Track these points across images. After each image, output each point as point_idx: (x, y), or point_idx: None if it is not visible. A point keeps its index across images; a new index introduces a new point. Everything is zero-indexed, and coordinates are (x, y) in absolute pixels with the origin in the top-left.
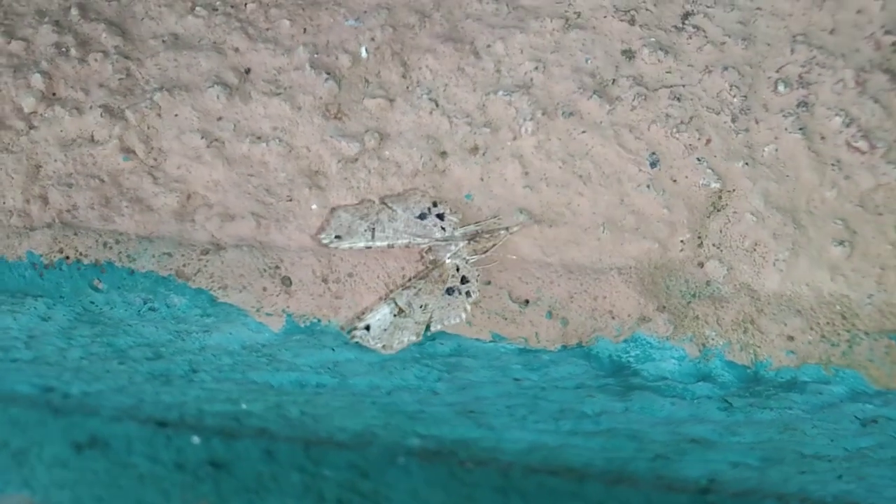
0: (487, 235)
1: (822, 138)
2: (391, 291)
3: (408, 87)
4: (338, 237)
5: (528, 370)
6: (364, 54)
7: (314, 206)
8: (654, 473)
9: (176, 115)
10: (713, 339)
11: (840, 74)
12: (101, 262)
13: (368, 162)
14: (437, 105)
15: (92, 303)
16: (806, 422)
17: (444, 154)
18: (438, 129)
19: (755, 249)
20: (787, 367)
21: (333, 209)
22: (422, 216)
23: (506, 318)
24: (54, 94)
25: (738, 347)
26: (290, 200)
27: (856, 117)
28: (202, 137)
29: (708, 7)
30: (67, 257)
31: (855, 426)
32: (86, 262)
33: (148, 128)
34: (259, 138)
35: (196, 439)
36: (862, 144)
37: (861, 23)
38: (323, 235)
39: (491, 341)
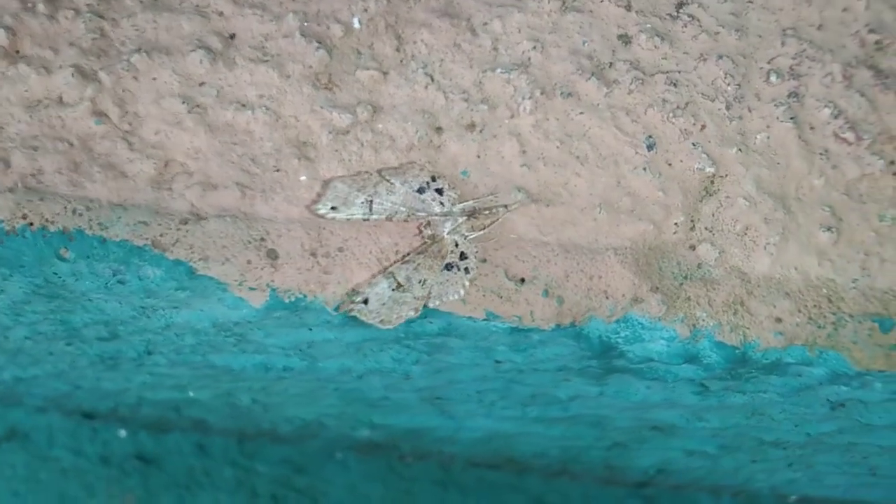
0: (486, 212)
1: (812, 128)
2: (390, 265)
3: (401, 61)
4: (334, 208)
5: (514, 351)
6: (357, 25)
7: (303, 178)
8: (606, 463)
9: (154, 79)
10: (704, 321)
11: (828, 68)
12: (70, 229)
13: (361, 134)
14: (432, 80)
15: (55, 273)
16: (776, 406)
17: (439, 130)
18: (434, 104)
19: (746, 233)
20: (775, 347)
21: (329, 180)
22: (420, 190)
23: (501, 297)
24: (18, 52)
25: (728, 328)
26: (278, 171)
27: (843, 109)
28: (183, 103)
29: None
30: (31, 224)
31: (824, 410)
32: (52, 229)
33: (123, 91)
34: (244, 106)
35: (123, 432)
36: (849, 136)
37: (847, 20)
38: (318, 205)
39: (484, 319)
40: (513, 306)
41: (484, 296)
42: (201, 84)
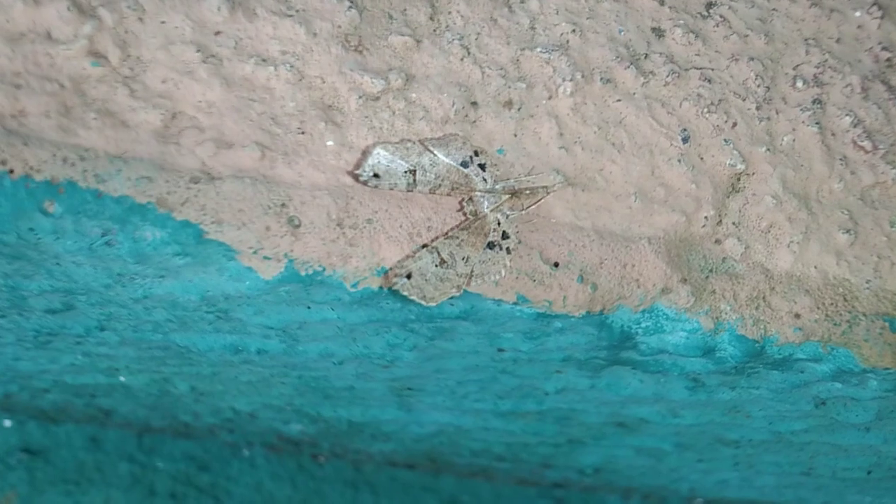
0: (527, 192)
1: (833, 135)
2: (433, 240)
3: (435, 30)
4: (376, 175)
5: (526, 339)
6: None
7: (330, 143)
8: (544, 461)
9: (163, 23)
10: (727, 314)
11: (848, 79)
12: (60, 180)
13: (393, 102)
14: (468, 53)
15: (32, 230)
16: (760, 403)
17: (475, 104)
18: (469, 77)
19: (770, 231)
20: (792, 343)
21: (371, 145)
22: (464, 164)
23: (534, 280)
24: None
25: (750, 322)
26: (302, 133)
27: (862, 119)
28: (197, 51)
29: (731, 0)
30: (12, 170)
31: (808, 408)
32: (38, 178)
33: (126, 32)
34: (265, 61)
35: (7, 422)
36: (866, 144)
37: (861, 37)
38: (360, 171)
39: (514, 303)
40: (545, 290)
41: (517, 278)
42: (217, 33)
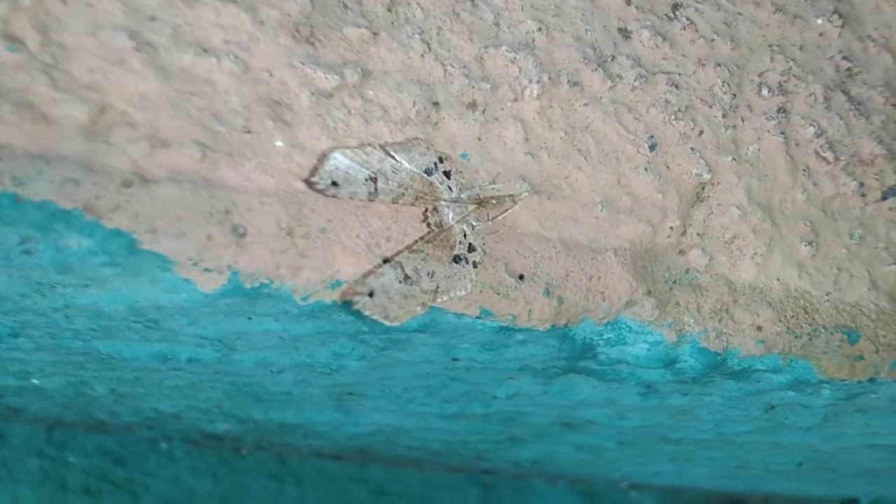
0: (493, 202)
1: (797, 145)
2: (396, 255)
3: (393, 23)
4: (334, 184)
5: (484, 350)
6: None
7: (279, 144)
8: (479, 455)
9: (90, 5)
10: (690, 326)
11: (811, 88)
12: None
13: (349, 100)
14: (429, 48)
15: None
16: (709, 408)
17: (437, 105)
18: (431, 75)
19: (734, 242)
20: (753, 355)
21: (328, 150)
22: (428, 171)
23: (499, 293)
24: None
25: (713, 335)
26: (249, 133)
27: (825, 129)
28: (129, 38)
29: (697, 2)
30: None
31: (758, 412)
32: None
33: (46, 14)
34: (206, 51)
35: None
36: (828, 155)
37: (823, 45)
38: (316, 178)
39: (476, 317)
40: (510, 304)
41: (481, 292)
42: (152, 18)
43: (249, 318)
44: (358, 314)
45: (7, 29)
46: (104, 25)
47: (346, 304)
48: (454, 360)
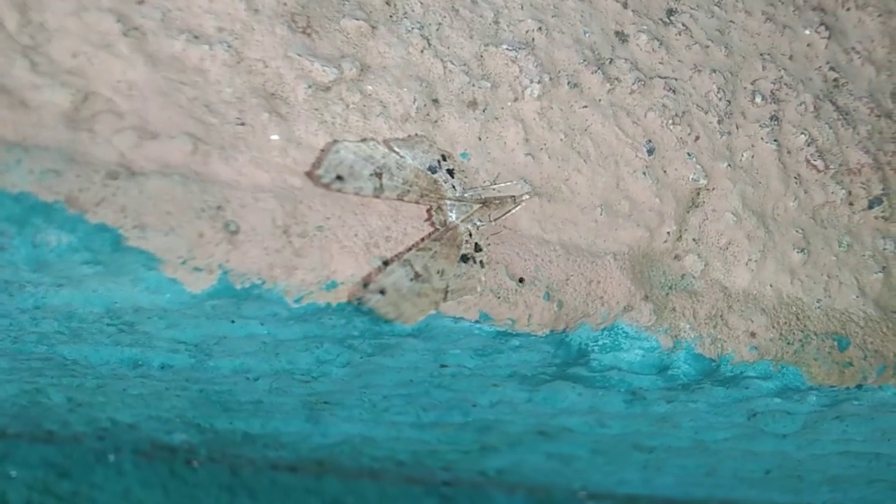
0: (496, 203)
1: (789, 153)
2: (405, 251)
3: (392, 16)
4: (339, 178)
5: (475, 356)
6: None
7: (275, 137)
8: (445, 465)
9: None
10: (686, 332)
11: (802, 97)
12: None
13: (347, 94)
14: (428, 44)
15: None
16: (691, 415)
17: (436, 102)
18: (430, 72)
19: (728, 248)
20: (746, 361)
21: (332, 143)
22: (432, 169)
23: (499, 297)
24: None
25: (708, 341)
26: (242, 125)
27: (815, 138)
28: (117, 21)
29: (692, 9)
30: None
31: (740, 419)
32: None
33: None
34: (197, 38)
35: None
36: (819, 163)
37: (811, 55)
38: (321, 171)
39: (475, 321)
40: (510, 308)
41: (481, 295)
42: (140, 2)
43: (233, 322)
44: (369, 313)
45: None
46: (89, 7)
47: (343, 306)
48: (442, 366)
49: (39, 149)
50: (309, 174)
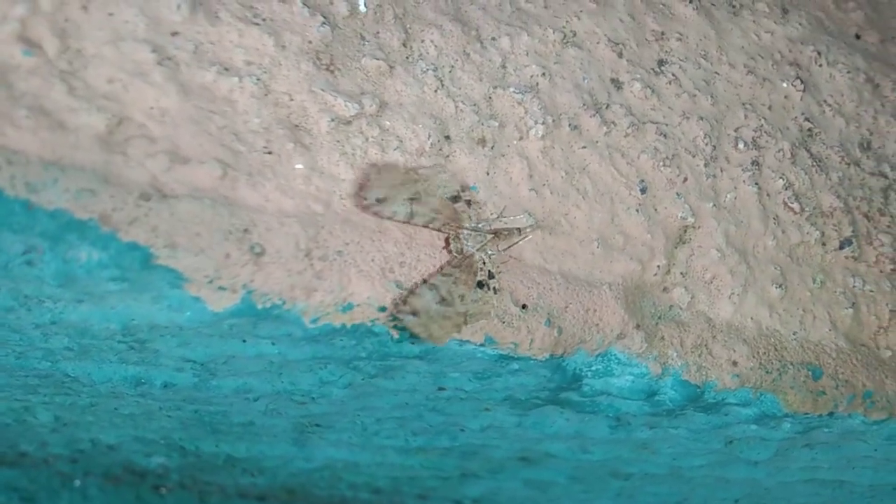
0: (506, 233)
1: (768, 195)
2: (430, 277)
3: (408, 57)
4: (379, 201)
5: (474, 379)
6: (363, 8)
7: (299, 166)
8: (421, 492)
9: (111, 14)
10: (673, 360)
11: (780, 144)
12: None
13: (366, 129)
14: (442, 85)
15: None
16: (673, 441)
17: (448, 138)
18: (443, 110)
19: (713, 282)
20: (728, 388)
21: (370, 168)
22: (454, 199)
23: (503, 322)
24: None
25: (694, 368)
26: (269, 153)
27: (792, 182)
28: (152, 51)
29: (680, 60)
30: None
31: (718, 446)
32: None
33: (66, 20)
34: (227, 70)
35: None
36: (795, 206)
37: (787, 106)
38: (364, 193)
39: (480, 344)
40: (513, 332)
41: (487, 319)
42: (174, 34)
43: (244, 341)
44: (402, 330)
45: (25, 32)
46: (125, 36)
47: (356, 328)
48: (440, 389)
49: (75, 168)
50: (353, 196)
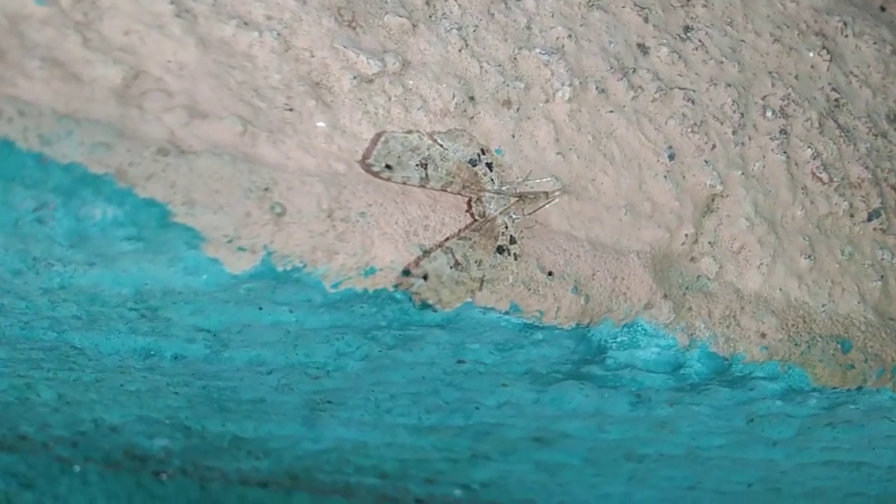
0: (531, 197)
1: (796, 164)
2: (447, 240)
3: (431, 16)
4: (388, 167)
5: (496, 351)
6: None
7: (321, 124)
8: (429, 477)
9: None
10: (701, 331)
11: (808, 114)
12: None
13: (389, 87)
14: (466, 45)
15: None
16: (693, 419)
17: (473, 100)
18: (468, 70)
19: (741, 252)
20: (756, 361)
21: (380, 133)
22: (472, 162)
23: (529, 289)
24: None
25: (722, 340)
26: (290, 110)
27: (820, 152)
28: (170, 2)
29: (706, 27)
30: None
31: (740, 424)
32: None
33: None
34: (247, 24)
35: None
36: (823, 176)
37: (814, 76)
38: (372, 160)
39: (505, 312)
40: (539, 300)
41: (512, 286)
42: None
43: (261, 308)
44: (407, 299)
45: None
46: None
47: (378, 293)
48: (459, 361)
49: (90, 122)
50: (360, 163)
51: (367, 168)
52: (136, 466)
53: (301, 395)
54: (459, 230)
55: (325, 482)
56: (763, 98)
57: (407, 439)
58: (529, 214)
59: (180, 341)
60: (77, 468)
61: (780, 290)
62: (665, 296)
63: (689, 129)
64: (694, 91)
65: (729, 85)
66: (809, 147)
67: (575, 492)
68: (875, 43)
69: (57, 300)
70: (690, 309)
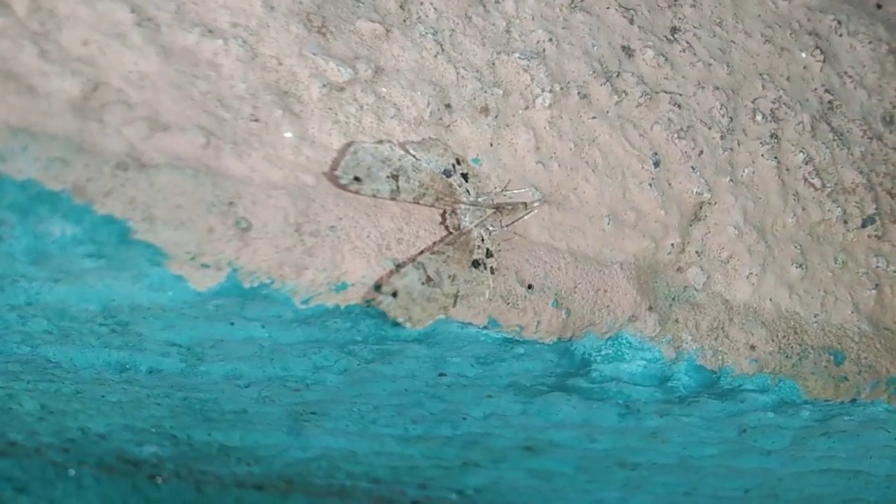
0: (509, 208)
1: (787, 170)
2: (419, 254)
3: (406, 21)
4: (357, 179)
5: (477, 364)
6: None
7: (288, 135)
8: (422, 482)
9: None
10: (688, 344)
11: (799, 117)
12: None
13: (361, 96)
14: (442, 49)
15: None
16: (684, 430)
17: (449, 107)
18: (444, 77)
19: (729, 261)
20: (745, 374)
21: (349, 144)
22: (447, 173)
23: (508, 303)
24: None
25: (710, 353)
26: (256, 121)
27: (812, 157)
28: (130, 11)
29: (694, 27)
30: None
31: (732, 435)
32: None
33: None
34: (212, 32)
35: None
36: (816, 181)
37: (807, 77)
38: (339, 172)
39: (483, 327)
40: (519, 314)
41: (490, 300)
42: None
43: (232, 324)
44: (380, 316)
45: None
46: None
47: (351, 308)
48: (441, 375)
49: (47, 136)
50: (327, 175)
51: (335, 180)
52: (131, 470)
53: (283, 406)
54: (433, 244)
55: (321, 485)
56: (753, 101)
57: (395, 448)
58: (508, 226)
59: (154, 355)
60: (72, 472)
61: (771, 300)
62: (650, 308)
63: (676, 135)
64: (681, 95)
65: (717, 88)
66: (801, 151)
67: (570, 497)
68: (870, 42)
69: (26, 315)
70: (677, 321)
